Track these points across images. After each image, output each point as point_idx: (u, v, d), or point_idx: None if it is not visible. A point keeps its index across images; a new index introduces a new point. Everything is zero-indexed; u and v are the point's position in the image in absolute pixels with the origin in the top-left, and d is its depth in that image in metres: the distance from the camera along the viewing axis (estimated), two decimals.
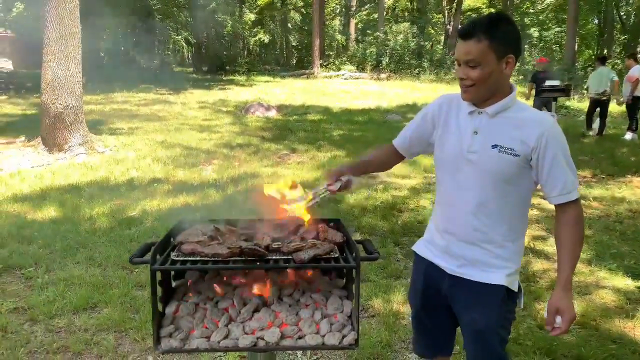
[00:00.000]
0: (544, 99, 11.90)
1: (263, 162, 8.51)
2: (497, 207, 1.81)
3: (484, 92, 1.77)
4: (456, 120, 1.89)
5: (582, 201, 6.38)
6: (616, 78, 11.54)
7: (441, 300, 1.98)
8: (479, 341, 1.92)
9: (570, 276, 1.78)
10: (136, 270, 4.29)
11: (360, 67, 29.18)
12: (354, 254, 1.71)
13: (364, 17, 40.15)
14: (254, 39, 36.10)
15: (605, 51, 30.10)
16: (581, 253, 4.76)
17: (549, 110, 12.27)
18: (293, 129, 11.95)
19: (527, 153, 1.74)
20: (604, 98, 11.38)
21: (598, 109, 11.65)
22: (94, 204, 6.01)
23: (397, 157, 2.15)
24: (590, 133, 11.71)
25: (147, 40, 32.12)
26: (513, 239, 1.87)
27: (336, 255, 1.73)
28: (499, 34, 1.71)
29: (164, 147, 9.56)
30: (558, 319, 1.75)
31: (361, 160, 2.18)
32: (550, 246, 5.03)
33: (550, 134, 1.74)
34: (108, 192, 6.58)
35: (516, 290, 1.89)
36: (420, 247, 2.08)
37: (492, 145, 1.77)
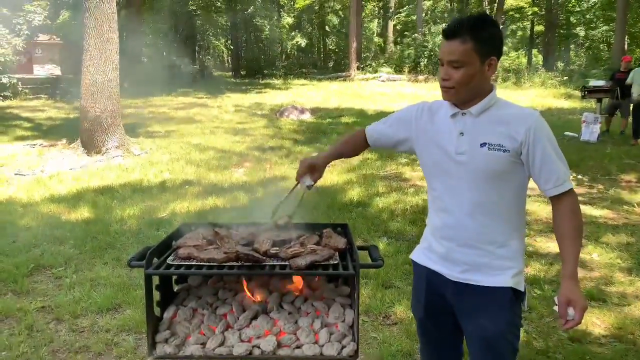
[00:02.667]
0: (629, 101, 10.98)
1: (293, 165, 8.49)
2: (494, 206, 1.78)
3: (465, 94, 1.76)
4: (437, 125, 1.87)
5: (625, 207, 6.15)
6: None
7: (446, 307, 1.92)
8: (489, 349, 1.83)
9: (576, 266, 1.73)
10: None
11: (398, 69, 28.90)
12: (354, 262, 1.63)
13: (402, 18, 39.77)
14: (291, 42, 36.39)
15: None
16: (620, 261, 4.53)
17: (623, 113, 11.46)
18: (326, 131, 11.92)
19: (517, 147, 1.72)
20: None
21: None
22: (126, 206, 6.14)
23: (364, 146, 2.14)
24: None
25: (188, 46, 32.90)
26: (514, 236, 1.82)
27: (335, 262, 1.66)
28: (484, 35, 1.70)
29: (198, 149, 9.69)
30: (570, 311, 1.70)
31: (335, 150, 2.17)
32: (587, 254, 4.78)
33: (537, 127, 1.71)
34: (140, 194, 6.71)
35: (523, 290, 1.83)
36: (419, 256, 2.01)
37: (481, 144, 1.75)
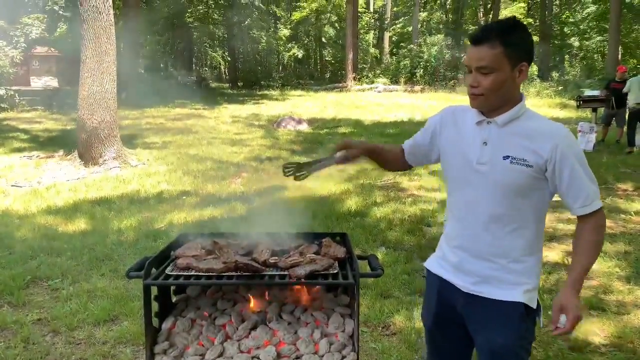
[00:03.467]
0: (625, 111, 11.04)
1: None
2: (510, 220, 1.73)
3: (494, 101, 1.70)
4: (462, 131, 1.82)
5: (622, 215, 6.16)
6: None
7: (456, 318, 1.88)
8: None
9: (581, 277, 1.70)
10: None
11: (394, 80, 29.04)
12: (353, 271, 1.63)
13: (398, 30, 40.07)
14: (288, 54, 36.57)
15: None
16: (619, 270, 4.51)
17: (619, 123, 11.51)
18: (323, 142, 11.94)
19: (541, 164, 1.66)
20: None
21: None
22: (123, 217, 6.11)
23: (403, 162, 2.04)
24: (635, 150, 10.65)
25: (185, 57, 33.03)
26: (530, 252, 1.76)
27: (335, 272, 1.65)
28: (514, 40, 1.64)
29: (195, 160, 9.69)
30: (562, 318, 1.66)
31: (378, 147, 2.05)
32: None
33: (564, 144, 1.66)
34: (137, 205, 6.69)
35: (535, 307, 1.78)
36: (433, 264, 1.99)
37: (504, 157, 1.69)
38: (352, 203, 6.75)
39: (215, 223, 5.85)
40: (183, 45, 32.96)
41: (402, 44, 36.21)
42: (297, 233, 2.04)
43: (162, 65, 28.30)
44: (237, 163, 9.54)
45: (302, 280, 1.57)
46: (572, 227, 5.75)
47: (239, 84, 33.12)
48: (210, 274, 1.59)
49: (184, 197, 7.10)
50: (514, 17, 1.83)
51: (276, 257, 1.71)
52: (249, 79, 32.48)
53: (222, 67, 41.47)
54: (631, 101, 10.68)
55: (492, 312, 1.76)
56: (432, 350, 2.05)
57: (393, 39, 40.54)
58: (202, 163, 9.45)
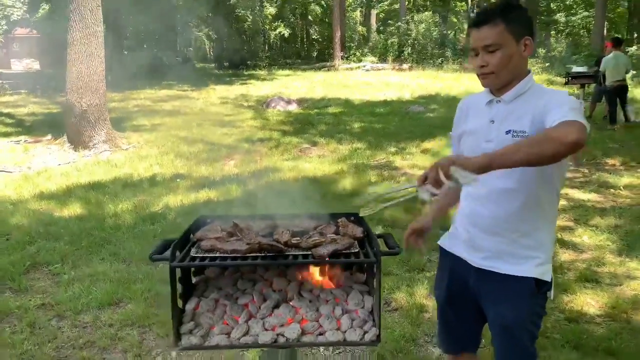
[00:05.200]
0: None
1: (284, 156, 8.51)
2: (518, 194, 1.76)
3: (504, 77, 1.74)
4: (475, 114, 1.87)
5: (612, 190, 6.29)
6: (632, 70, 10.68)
7: (468, 294, 1.93)
8: (507, 337, 1.85)
9: (501, 153, 1.51)
10: (159, 265, 4.32)
11: (382, 58, 28.91)
12: (374, 249, 1.67)
13: (385, 7, 39.71)
14: (274, 32, 36.06)
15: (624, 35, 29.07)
16: (610, 243, 4.61)
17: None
18: (314, 122, 11.92)
19: (536, 129, 1.64)
20: (624, 84, 10.61)
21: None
22: (118, 201, 6.09)
23: None
24: (616, 127, 10.62)
25: (169, 38, 32.39)
26: (540, 226, 1.79)
27: (356, 250, 1.70)
28: (513, 16, 1.72)
29: (186, 143, 9.63)
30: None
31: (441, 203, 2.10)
32: (577, 237, 4.90)
33: (555, 97, 1.67)
34: (131, 189, 6.66)
35: (549, 280, 1.80)
36: (446, 241, 2.04)
37: (506, 131, 1.73)
38: (347, 183, 6.79)
39: (212, 205, 5.86)
40: (166, 25, 32.34)
41: (389, 21, 35.93)
42: (311, 214, 2.07)
43: (145, 46, 27.75)
44: (228, 145, 9.50)
45: (326, 259, 1.61)
46: (566, 202, 5.88)
47: (225, 64, 32.69)
48: (236, 255, 1.62)
49: (178, 180, 7.08)
50: None
51: (297, 238, 1.74)
52: (235, 59, 32.06)
53: (207, 47, 40.83)
54: (609, 79, 10.72)
55: (503, 288, 1.80)
56: (443, 326, 2.10)
57: (380, 16, 40.24)
58: (193, 145, 9.40)
